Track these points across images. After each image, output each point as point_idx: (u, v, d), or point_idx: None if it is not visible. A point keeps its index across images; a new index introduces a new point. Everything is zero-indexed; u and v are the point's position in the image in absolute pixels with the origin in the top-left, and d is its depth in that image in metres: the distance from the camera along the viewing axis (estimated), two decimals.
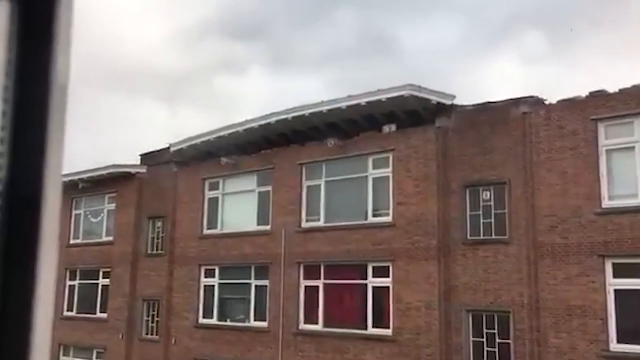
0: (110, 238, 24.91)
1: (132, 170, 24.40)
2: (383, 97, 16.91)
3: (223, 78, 54.02)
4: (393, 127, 18.24)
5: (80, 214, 26.50)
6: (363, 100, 17.24)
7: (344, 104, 17.63)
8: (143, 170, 24.41)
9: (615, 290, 13.94)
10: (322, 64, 53.66)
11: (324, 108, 18.03)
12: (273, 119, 19.30)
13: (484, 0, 46.52)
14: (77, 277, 25.95)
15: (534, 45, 42.90)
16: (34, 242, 0.72)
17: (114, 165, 24.45)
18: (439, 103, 16.65)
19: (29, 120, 0.75)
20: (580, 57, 42.24)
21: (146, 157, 24.84)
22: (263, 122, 19.59)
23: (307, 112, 18.45)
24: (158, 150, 24.05)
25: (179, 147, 22.34)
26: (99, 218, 25.90)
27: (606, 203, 14.29)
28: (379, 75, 49.06)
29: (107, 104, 55.30)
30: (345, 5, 54.37)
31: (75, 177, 24.57)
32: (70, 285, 26.09)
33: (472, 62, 48.56)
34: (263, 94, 52.69)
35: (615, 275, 14.00)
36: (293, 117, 18.82)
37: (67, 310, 25.88)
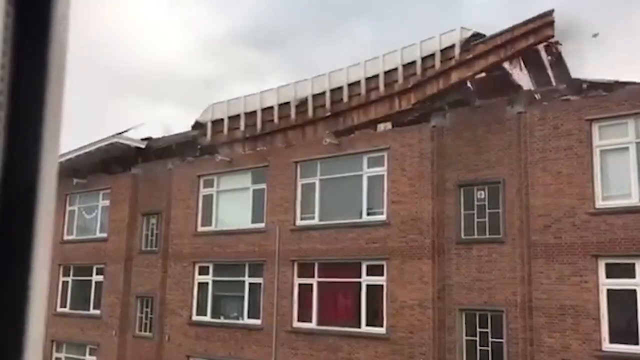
0: (104, 235, 24.85)
1: (133, 144, 23.99)
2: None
3: (242, 85, 56.12)
4: (389, 125, 18.28)
5: (74, 210, 26.41)
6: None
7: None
8: (143, 145, 24.09)
9: (608, 290, 14.01)
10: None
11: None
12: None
13: None
14: (71, 274, 25.87)
15: None
16: (28, 237, 0.72)
17: (117, 135, 24.06)
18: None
19: (24, 122, 0.74)
20: None
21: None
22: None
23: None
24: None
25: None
26: (93, 214, 25.83)
27: (600, 203, 14.34)
28: None
29: (129, 107, 56.89)
30: (360, 16, 56.07)
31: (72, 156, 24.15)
32: (63, 282, 26.01)
33: None
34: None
35: (608, 276, 14.06)
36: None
37: (61, 307, 25.80)
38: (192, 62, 56.94)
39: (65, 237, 26.20)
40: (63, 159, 23.58)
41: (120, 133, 24.24)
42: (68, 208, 26.44)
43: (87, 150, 24.52)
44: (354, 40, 55.12)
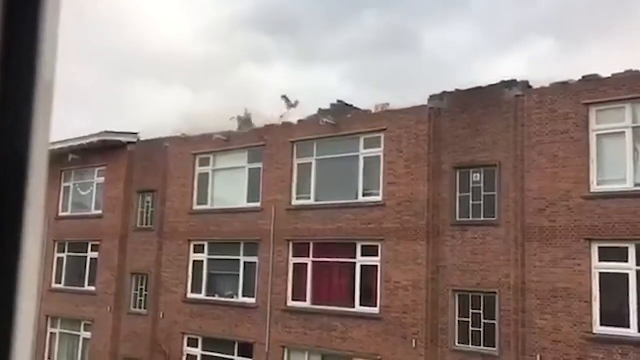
0: (99, 211, 24.84)
1: (123, 139, 24.13)
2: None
3: (248, 69, 56.91)
4: (387, 105, 18.24)
5: (69, 187, 26.38)
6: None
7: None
8: (133, 139, 24.20)
9: (600, 274, 14.12)
10: (342, 59, 57.18)
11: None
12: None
13: None
14: (66, 250, 25.92)
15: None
16: (19, 214, 0.70)
17: (106, 132, 24.18)
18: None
19: (13, 114, 0.73)
20: None
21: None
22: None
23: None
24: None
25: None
26: (88, 191, 25.80)
27: (595, 187, 14.40)
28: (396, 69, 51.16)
29: (139, 89, 57.62)
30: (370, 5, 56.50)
31: (65, 145, 24.32)
32: (58, 258, 26.07)
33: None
34: (283, 84, 55.67)
35: (600, 259, 14.17)
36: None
37: (56, 283, 25.89)
38: (200, 45, 57.41)
39: (60, 213, 26.21)
40: (52, 147, 23.64)
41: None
42: (63, 184, 26.40)
43: (78, 142, 24.55)
44: (362, 26, 55.60)
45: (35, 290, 0.76)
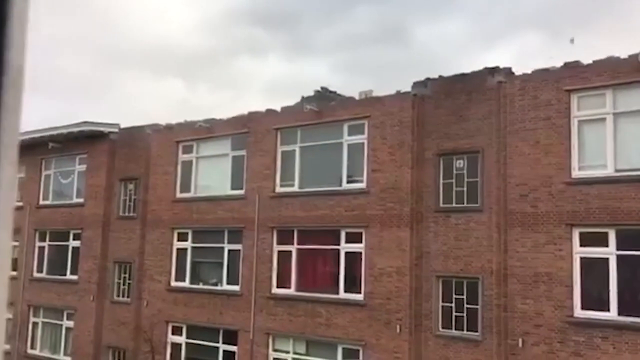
0: (81, 200, 24.61)
1: (105, 130, 23.96)
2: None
3: (243, 60, 57.06)
4: (371, 92, 18.21)
5: (50, 175, 26.07)
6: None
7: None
8: (115, 130, 24.00)
9: (582, 258, 14.31)
10: (335, 51, 57.77)
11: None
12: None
13: None
14: (47, 239, 25.67)
15: None
16: None
17: (85, 123, 23.97)
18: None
19: None
20: None
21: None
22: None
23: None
24: None
25: None
26: (69, 179, 25.52)
27: (576, 173, 14.54)
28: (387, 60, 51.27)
29: (131, 80, 57.36)
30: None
31: (46, 134, 24.07)
32: (39, 247, 25.82)
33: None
34: (276, 75, 55.58)
35: (581, 244, 14.35)
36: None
37: (37, 272, 25.67)
38: (195, 38, 57.28)
39: (41, 202, 25.92)
40: (32, 136, 23.37)
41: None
42: (43, 172, 26.10)
43: (57, 132, 24.26)
44: (356, 21, 55.70)
45: (7, 283, 0.73)
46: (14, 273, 24.91)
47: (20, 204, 25.24)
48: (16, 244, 25.43)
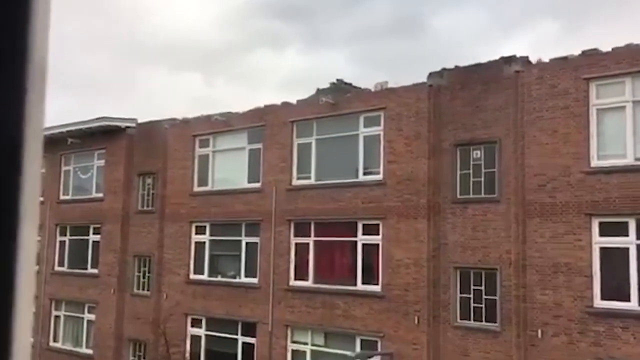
0: (101, 194, 24.88)
1: (122, 125, 24.16)
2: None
3: (260, 54, 57.49)
4: (386, 84, 18.14)
5: (69, 170, 26.39)
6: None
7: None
8: (132, 125, 24.19)
9: (601, 248, 14.17)
10: (351, 43, 57.55)
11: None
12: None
13: None
14: (68, 233, 26.01)
15: None
16: (14, 203, 0.70)
17: (103, 118, 24.18)
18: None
19: (4, 100, 0.71)
20: None
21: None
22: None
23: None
24: None
25: None
26: (89, 174, 25.81)
27: (595, 162, 14.37)
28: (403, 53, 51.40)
29: (149, 75, 58.38)
30: None
31: (64, 130, 24.32)
32: (60, 241, 26.18)
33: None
34: (293, 68, 55.96)
35: (601, 234, 14.20)
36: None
37: (59, 266, 26.04)
38: (212, 32, 57.70)
39: (62, 197, 26.25)
40: (52, 132, 23.62)
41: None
42: (63, 168, 26.41)
43: (77, 127, 24.50)
44: (372, 12, 55.51)
45: (34, 278, 0.76)
46: (36, 267, 25.29)
47: (41, 199, 25.56)
48: (38, 238, 25.82)
